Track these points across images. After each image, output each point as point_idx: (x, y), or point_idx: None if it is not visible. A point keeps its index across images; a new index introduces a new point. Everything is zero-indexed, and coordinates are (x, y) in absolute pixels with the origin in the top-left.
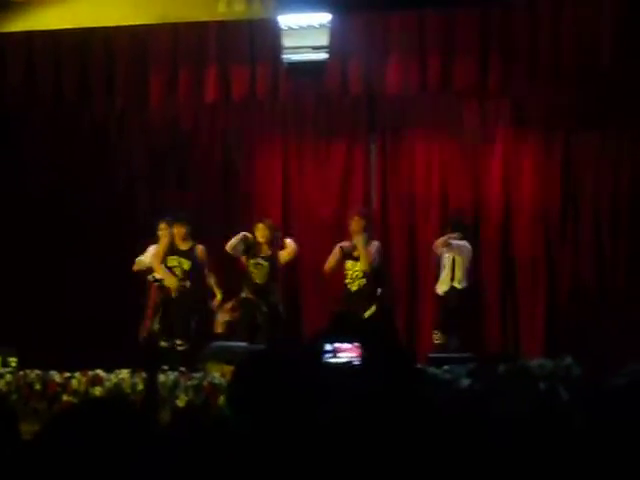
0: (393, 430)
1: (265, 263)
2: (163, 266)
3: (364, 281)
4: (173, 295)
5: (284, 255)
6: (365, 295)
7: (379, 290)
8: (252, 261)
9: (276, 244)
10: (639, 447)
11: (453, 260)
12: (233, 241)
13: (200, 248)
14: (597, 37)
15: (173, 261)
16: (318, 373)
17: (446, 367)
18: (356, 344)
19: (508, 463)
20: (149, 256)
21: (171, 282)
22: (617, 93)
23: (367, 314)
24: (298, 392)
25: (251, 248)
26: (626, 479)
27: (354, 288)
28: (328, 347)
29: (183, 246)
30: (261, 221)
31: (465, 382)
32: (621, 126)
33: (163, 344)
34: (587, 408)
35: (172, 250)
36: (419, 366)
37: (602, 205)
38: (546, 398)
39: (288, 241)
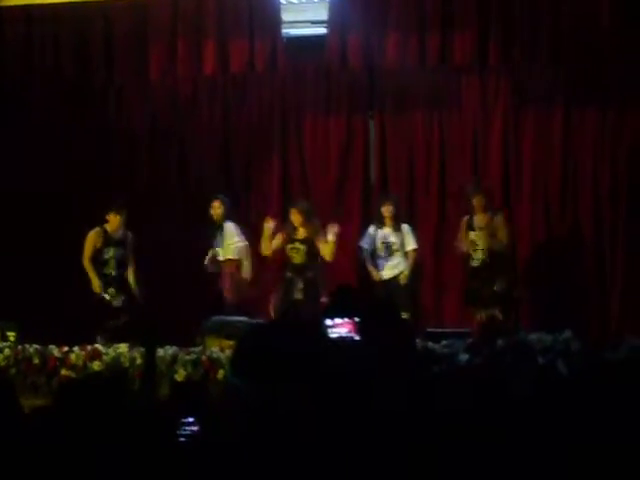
0: (391, 403)
1: (302, 246)
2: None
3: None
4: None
5: (325, 249)
6: None
7: None
8: (289, 246)
9: (314, 227)
10: (636, 419)
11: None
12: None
13: (131, 236)
14: (596, 10)
15: (110, 252)
16: (318, 347)
17: (444, 342)
18: (352, 320)
19: (508, 436)
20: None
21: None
22: (617, 68)
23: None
24: (299, 364)
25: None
26: (624, 451)
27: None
28: (328, 322)
29: (116, 235)
30: (294, 206)
31: (464, 357)
32: (621, 101)
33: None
34: (585, 382)
35: (107, 241)
36: (418, 341)
37: (602, 181)
38: (545, 372)
39: (330, 237)
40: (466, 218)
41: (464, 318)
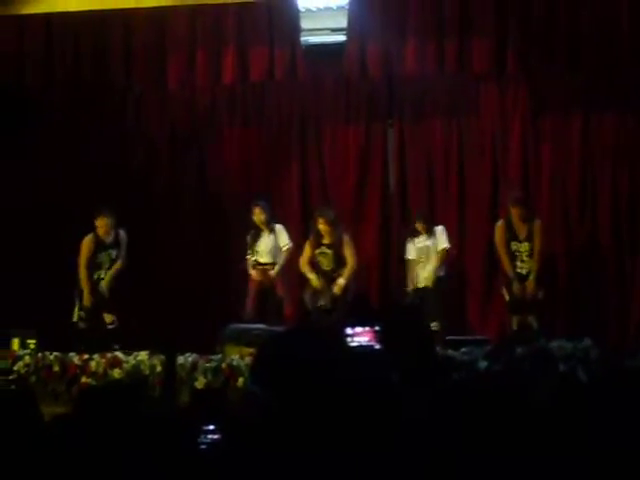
0: (412, 409)
1: (329, 251)
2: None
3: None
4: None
5: (348, 254)
6: None
7: None
8: (317, 251)
9: (339, 233)
10: None
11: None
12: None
13: (122, 234)
14: (615, 16)
15: (103, 257)
16: (338, 356)
17: (464, 349)
18: (371, 328)
19: (528, 444)
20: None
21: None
22: (636, 73)
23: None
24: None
25: (316, 239)
26: None
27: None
28: (349, 331)
29: (108, 238)
30: (321, 215)
31: (483, 364)
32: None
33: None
34: (605, 389)
35: (99, 247)
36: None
37: (621, 186)
38: (565, 379)
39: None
40: (501, 223)
41: (483, 324)
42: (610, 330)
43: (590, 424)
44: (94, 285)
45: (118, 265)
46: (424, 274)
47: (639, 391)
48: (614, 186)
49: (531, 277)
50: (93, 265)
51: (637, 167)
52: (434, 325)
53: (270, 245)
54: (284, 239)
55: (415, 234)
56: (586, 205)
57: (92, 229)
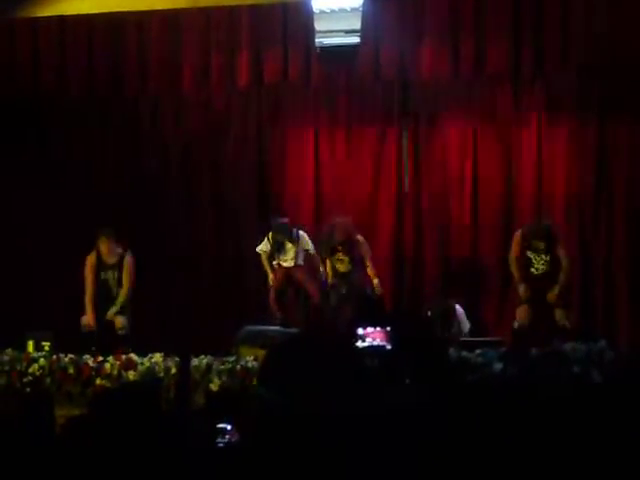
0: (426, 411)
1: (345, 257)
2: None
3: None
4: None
5: (363, 252)
6: None
7: None
8: (334, 257)
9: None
10: None
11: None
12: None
13: (127, 260)
14: (630, 19)
15: (108, 276)
16: (350, 357)
17: (478, 351)
18: (383, 329)
19: (543, 444)
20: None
21: None
22: None
23: None
24: (330, 374)
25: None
26: None
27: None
28: (360, 331)
29: (111, 259)
30: (337, 224)
31: (498, 366)
32: None
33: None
34: (619, 391)
35: (101, 266)
36: (452, 350)
37: (635, 189)
38: (579, 381)
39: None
40: (519, 234)
41: (498, 325)
42: (624, 332)
43: (605, 425)
44: (97, 305)
45: (123, 293)
46: None
47: None
48: (629, 187)
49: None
50: (97, 283)
51: None
52: None
53: (294, 252)
54: (309, 244)
55: None
56: (601, 207)
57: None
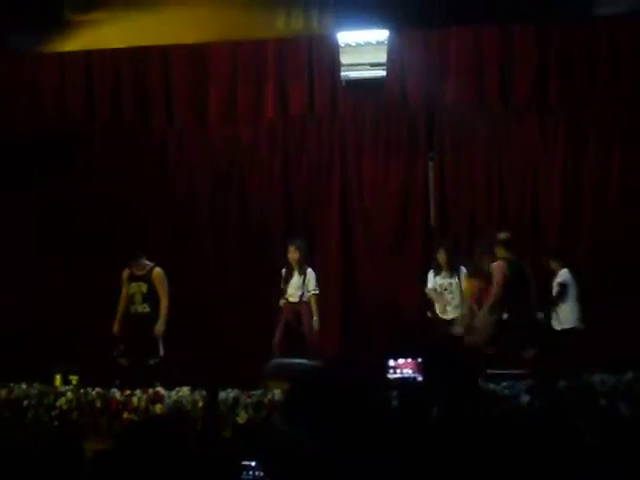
0: (456, 445)
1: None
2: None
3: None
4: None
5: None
6: None
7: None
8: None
9: None
10: None
11: None
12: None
13: (156, 271)
14: None
15: (134, 288)
16: (380, 390)
17: (505, 383)
18: (414, 360)
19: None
20: None
21: None
22: None
23: None
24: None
25: None
26: None
27: None
28: (391, 362)
29: (140, 271)
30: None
31: (525, 398)
32: None
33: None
34: None
35: (131, 277)
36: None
37: None
38: (607, 413)
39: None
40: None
41: (515, 358)
42: None
43: (634, 457)
44: (126, 317)
45: (163, 306)
46: (450, 310)
47: None
48: None
49: None
50: (128, 297)
51: None
52: None
53: (299, 286)
54: (312, 284)
55: (438, 269)
56: (628, 238)
57: (158, 262)
